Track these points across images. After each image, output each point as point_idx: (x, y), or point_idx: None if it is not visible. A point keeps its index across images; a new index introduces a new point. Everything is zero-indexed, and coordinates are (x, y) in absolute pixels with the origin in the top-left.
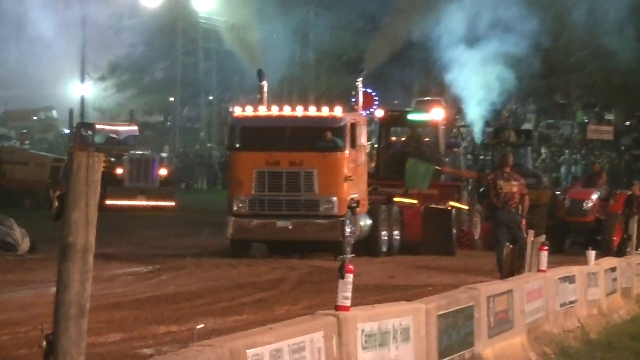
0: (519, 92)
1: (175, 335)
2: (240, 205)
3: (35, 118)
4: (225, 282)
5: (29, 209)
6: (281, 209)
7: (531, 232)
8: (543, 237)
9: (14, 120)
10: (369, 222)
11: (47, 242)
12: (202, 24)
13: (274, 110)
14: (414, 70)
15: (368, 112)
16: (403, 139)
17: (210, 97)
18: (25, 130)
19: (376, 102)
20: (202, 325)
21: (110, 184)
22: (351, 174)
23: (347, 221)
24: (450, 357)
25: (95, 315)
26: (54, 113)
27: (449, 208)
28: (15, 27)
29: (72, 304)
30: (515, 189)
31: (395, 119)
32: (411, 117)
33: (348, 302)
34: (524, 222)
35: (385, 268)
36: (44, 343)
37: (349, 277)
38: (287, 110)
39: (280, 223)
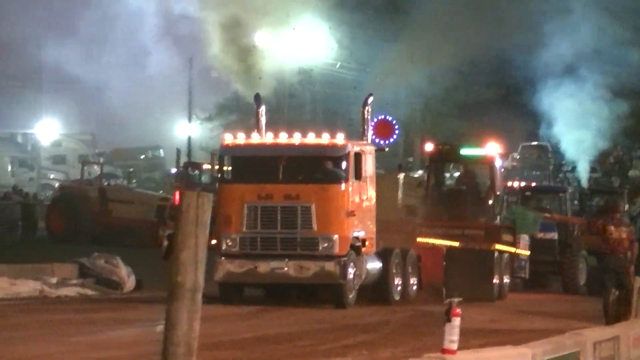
0: (625, 137)
1: None
2: (230, 244)
3: (142, 157)
4: (327, 324)
5: (135, 248)
6: (275, 248)
7: (638, 278)
8: None
9: (120, 159)
10: (377, 265)
11: (153, 280)
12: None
13: (268, 138)
14: (518, 114)
15: (388, 142)
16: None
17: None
18: (132, 169)
19: (397, 131)
20: None
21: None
22: (354, 209)
23: (351, 262)
24: None
25: (198, 355)
26: (161, 152)
27: (493, 250)
28: (124, 67)
29: (181, 343)
30: (624, 235)
31: (446, 154)
32: (464, 152)
33: (455, 346)
34: (632, 268)
35: (487, 312)
36: None
37: (456, 321)
38: (282, 138)
39: (274, 264)
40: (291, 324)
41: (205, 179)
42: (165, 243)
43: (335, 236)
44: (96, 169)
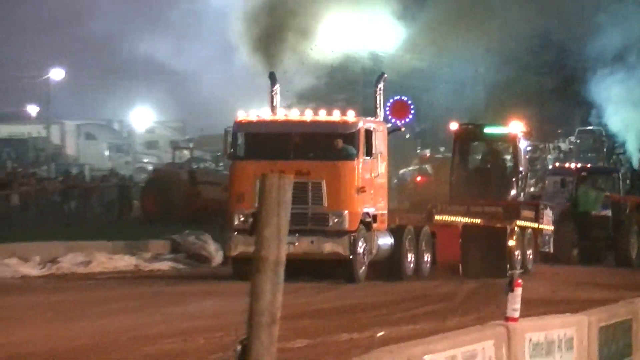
0: None
1: (356, 342)
2: (242, 219)
3: None
4: (398, 295)
5: (222, 226)
6: None
7: None
8: None
9: (209, 145)
10: (389, 240)
11: None
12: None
13: (280, 115)
14: (574, 102)
15: (404, 121)
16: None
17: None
18: (218, 154)
19: (412, 112)
20: (382, 333)
21: None
22: (365, 185)
23: (361, 238)
24: None
25: (283, 324)
26: None
27: (505, 227)
28: (212, 59)
29: (265, 313)
30: None
31: (471, 133)
32: (488, 130)
33: (517, 314)
34: None
35: (547, 284)
36: (239, 348)
37: (518, 291)
38: (294, 115)
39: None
40: (366, 296)
41: None
42: (251, 221)
43: (345, 212)
44: (186, 153)
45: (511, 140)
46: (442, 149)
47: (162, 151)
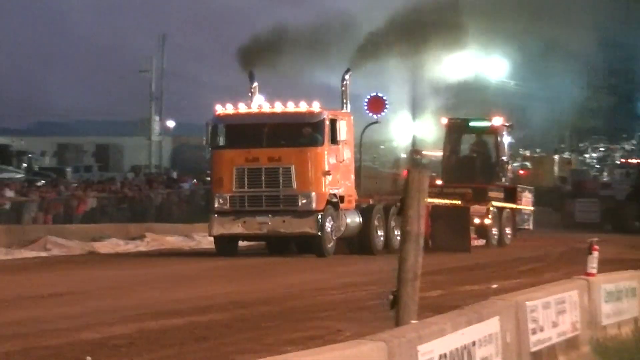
0: None
1: (475, 292)
2: (222, 202)
3: (382, 147)
4: (506, 257)
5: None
6: (261, 205)
7: None
8: None
9: (368, 147)
10: (357, 219)
11: None
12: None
13: (254, 108)
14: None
15: (378, 115)
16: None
17: None
18: (375, 156)
19: (387, 106)
20: (495, 286)
21: None
22: (330, 169)
23: (328, 217)
24: None
25: (422, 279)
26: (394, 143)
27: (468, 206)
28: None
29: (409, 271)
30: None
31: (458, 126)
32: (473, 124)
33: (594, 271)
34: None
35: (614, 248)
36: (391, 297)
37: (595, 253)
38: (266, 107)
39: (259, 219)
40: (482, 257)
41: (425, 162)
42: (398, 204)
43: (313, 193)
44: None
45: (494, 132)
46: (537, 150)
47: None
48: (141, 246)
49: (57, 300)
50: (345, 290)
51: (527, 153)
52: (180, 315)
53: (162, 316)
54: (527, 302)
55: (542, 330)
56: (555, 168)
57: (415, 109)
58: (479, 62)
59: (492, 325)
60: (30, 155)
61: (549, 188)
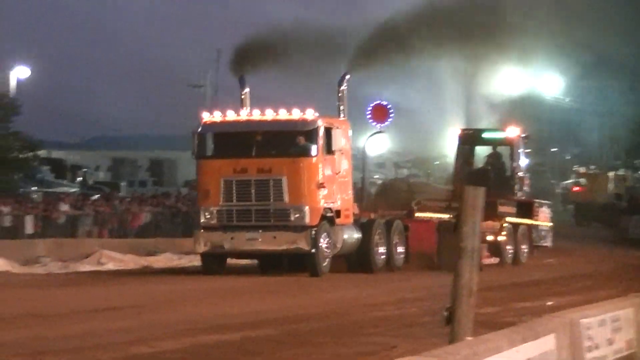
0: None
1: (530, 309)
2: (208, 216)
3: (436, 163)
4: (557, 274)
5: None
6: (250, 219)
7: None
8: None
9: (422, 164)
10: (355, 235)
11: None
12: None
13: (243, 115)
14: None
15: (383, 124)
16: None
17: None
18: (429, 171)
19: (391, 115)
20: (550, 303)
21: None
22: (325, 181)
23: (323, 233)
24: None
25: (477, 295)
26: (448, 159)
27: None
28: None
29: (464, 288)
30: None
31: (471, 137)
32: (486, 135)
33: None
34: None
35: None
36: (446, 313)
37: None
38: (256, 115)
39: (249, 235)
40: (533, 274)
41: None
42: (454, 220)
43: (306, 207)
44: (405, 171)
45: (509, 143)
46: (592, 166)
47: (387, 169)
48: (195, 261)
49: (111, 314)
50: (398, 307)
51: (582, 170)
52: (231, 330)
53: (214, 330)
54: (582, 320)
55: (597, 347)
56: (610, 185)
57: (470, 124)
58: (533, 79)
59: (547, 343)
60: (85, 170)
61: (603, 205)
